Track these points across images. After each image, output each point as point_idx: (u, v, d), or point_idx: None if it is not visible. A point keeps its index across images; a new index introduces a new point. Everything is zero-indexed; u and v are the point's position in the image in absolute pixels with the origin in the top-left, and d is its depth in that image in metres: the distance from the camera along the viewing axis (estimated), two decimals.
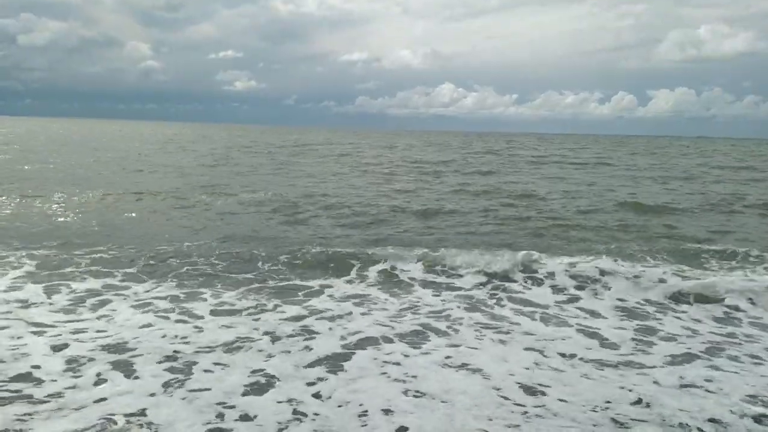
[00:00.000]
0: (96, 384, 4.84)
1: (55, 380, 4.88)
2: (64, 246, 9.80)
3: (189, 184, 18.44)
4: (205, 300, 7.40)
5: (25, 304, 6.86)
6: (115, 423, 3.86)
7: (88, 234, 10.89)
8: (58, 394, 4.62)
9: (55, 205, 13.85)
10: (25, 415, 4.25)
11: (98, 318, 6.53)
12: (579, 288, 8.13)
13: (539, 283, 8.34)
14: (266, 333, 6.19)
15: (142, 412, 4.36)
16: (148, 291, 7.65)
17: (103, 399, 4.56)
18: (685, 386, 5.02)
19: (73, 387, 4.77)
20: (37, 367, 5.11)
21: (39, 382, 4.84)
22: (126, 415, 4.30)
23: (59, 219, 12.32)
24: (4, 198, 14.51)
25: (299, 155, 36.65)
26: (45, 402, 4.49)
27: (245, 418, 4.41)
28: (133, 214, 13.21)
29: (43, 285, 7.60)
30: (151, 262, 8.98)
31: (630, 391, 4.91)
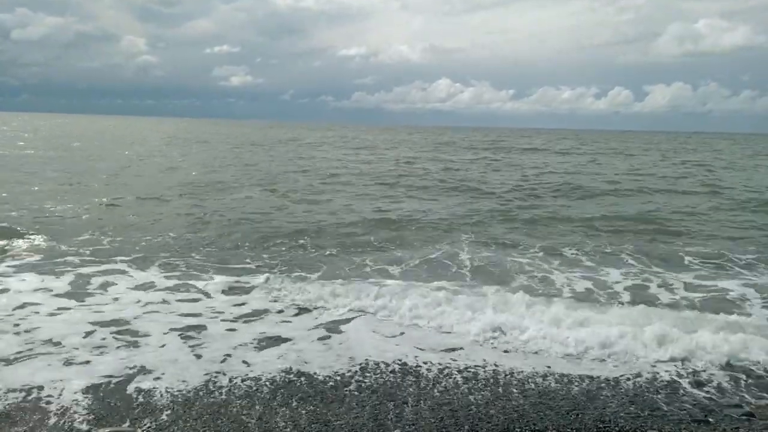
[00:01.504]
0: (118, 347, 5.40)
1: (78, 347, 5.39)
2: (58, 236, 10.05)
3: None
4: (214, 280, 7.75)
5: (36, 289, 7.14)
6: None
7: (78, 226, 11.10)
8: (84, 355, 5.20)
9: None
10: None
11: (114, 298, 6.94)
12: None
13: None
14: (276, 306, 6.67)
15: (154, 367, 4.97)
16: (155, 275, 7.94)
17: (122, 358, 5.18)
18: None
19: (96, 351, 5.31)
20: (62, 337, 5.57)
21: (66, 348, 5.32)
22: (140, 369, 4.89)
23: None
24: None
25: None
26: (71, 361, 5.06)
27: (246, 364, 5.10)
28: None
29: (48, 271, 7.86)
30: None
31: None
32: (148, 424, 4.05)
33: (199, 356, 5.26)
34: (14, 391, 4.47)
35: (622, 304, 7.07)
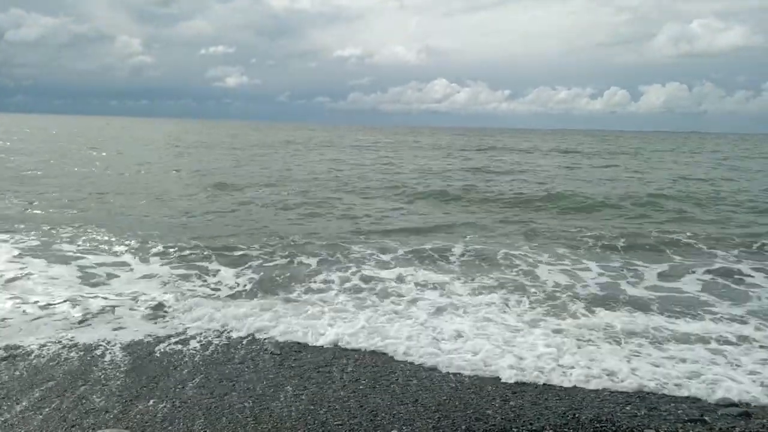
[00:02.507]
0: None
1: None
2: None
3: None
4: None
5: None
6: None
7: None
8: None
9: None
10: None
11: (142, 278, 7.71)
12: None
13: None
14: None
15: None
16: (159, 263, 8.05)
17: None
18: None
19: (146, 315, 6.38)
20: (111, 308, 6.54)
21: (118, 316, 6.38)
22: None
23: None
24: None
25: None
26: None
27: (260, 330, 5.99)
28: None
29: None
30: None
31: None
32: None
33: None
34: (80, 348, 5.33)
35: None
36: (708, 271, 8.60)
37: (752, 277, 8.41)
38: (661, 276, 8.38)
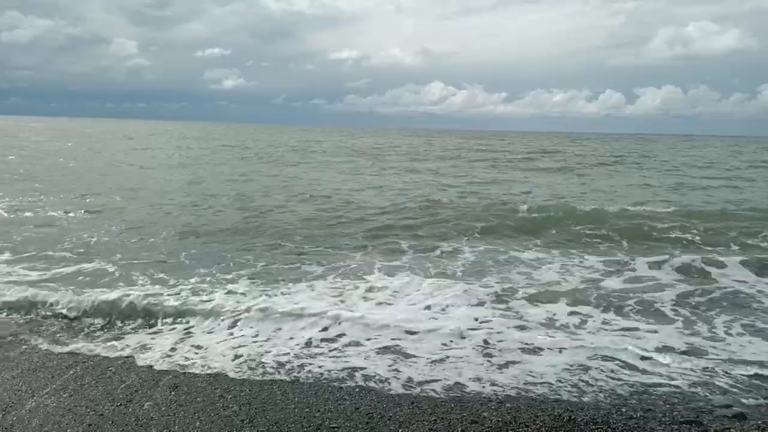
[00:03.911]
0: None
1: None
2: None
3: None
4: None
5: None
6: None
7: None
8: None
9: None
10: None
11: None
12: None
13: None
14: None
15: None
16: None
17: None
18: None
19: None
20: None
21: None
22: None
23: None
24: None
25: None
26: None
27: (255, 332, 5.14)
28: None
29: None
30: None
31: None
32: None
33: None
34: (76, 353, 4.72)
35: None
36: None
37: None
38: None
